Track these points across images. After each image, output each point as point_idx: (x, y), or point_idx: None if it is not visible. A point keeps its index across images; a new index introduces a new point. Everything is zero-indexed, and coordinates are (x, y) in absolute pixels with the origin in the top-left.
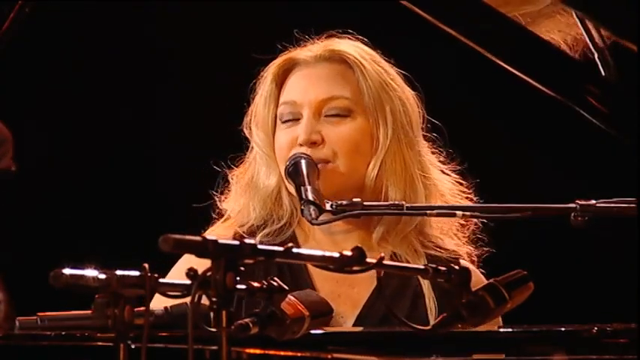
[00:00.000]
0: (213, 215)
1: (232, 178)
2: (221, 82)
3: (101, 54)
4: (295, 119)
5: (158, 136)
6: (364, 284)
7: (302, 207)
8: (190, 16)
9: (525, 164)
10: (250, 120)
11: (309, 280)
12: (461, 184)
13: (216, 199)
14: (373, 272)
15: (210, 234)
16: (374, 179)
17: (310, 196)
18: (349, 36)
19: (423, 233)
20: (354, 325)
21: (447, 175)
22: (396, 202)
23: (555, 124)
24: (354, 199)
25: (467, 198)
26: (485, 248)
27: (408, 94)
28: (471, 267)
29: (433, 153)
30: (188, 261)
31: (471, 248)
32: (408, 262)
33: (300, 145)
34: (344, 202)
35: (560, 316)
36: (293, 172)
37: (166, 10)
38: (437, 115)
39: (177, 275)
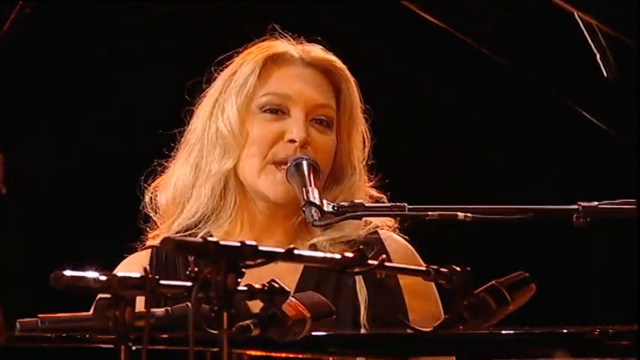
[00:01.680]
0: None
1: (172, 159)
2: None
3: (100, 53)
4: (280, 112)
5: (159, 136)
6: (286, 279)
7: (303, 208)
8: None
9: (526, 165)
10: (221, 98)
11: None
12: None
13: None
14: (294, 266)
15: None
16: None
17: (312, 198)
18: (318, 44)
19: (340, 226)
20: None
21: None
22: (398, 204)
23: (556, 124)
24: (356, 201)
25: None
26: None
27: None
28: (396, 236)
29: None
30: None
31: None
32: (330, 251)
33: (292, 141)
34: (345, 204)
35: (562, 317)
36: (295, 172)
37: (160, 10)
38: (427, 113)
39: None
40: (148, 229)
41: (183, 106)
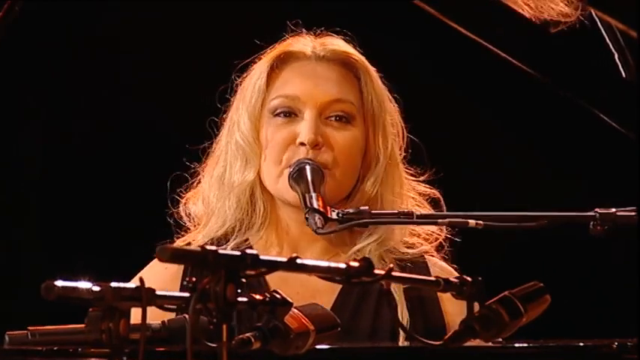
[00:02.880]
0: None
1: (203, 176)
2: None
3: (98, 54)
4: (292, 115)
5: (155, 139)
6: (326, 293)
7: (306, 215)
8: (184, 13)
9: (540, 170)
10: (237, 107)
11: (267, 290)
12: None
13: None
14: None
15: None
16: (371, 195)
17: (315, 204)
18: (342, 36)
19: (390, 239)
20: None
21: (421, 187)
22: (405, 211)
23: (572, 127)
24: (362, 208)
25: (436, 209)
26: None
27: (395, 106)
28: (445, 265)
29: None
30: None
31: (438, 243)
32: (375, 259)
33: (302, 144)
34: (350, 211)
35: (578, 330)
36: (297, 177)
37: (165, 9)
38: (438, 115)
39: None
40: (175, 236)
41: (180, 110)
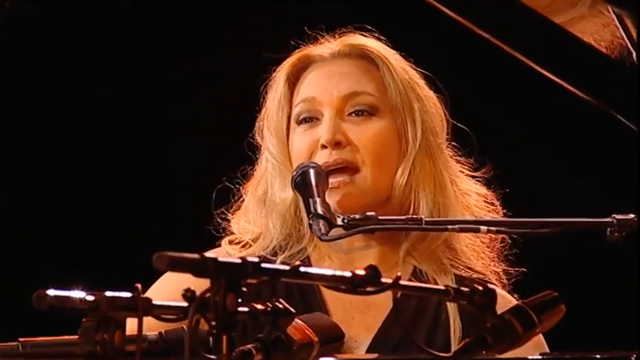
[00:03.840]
0: (217, 234)
1: (246, 195)
2: (229, 86)
3: (96, 55)
4: (314, 119)
5: (155, 147)
6: (381, 306)
7: (310, 221)
8: (195, 15)
9: (555, 175)
10: (262, 125)
11: (322, 301)
12: (486, 196)
13: (223, 218)
14: (388, 294)
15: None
16: (402, 186)
17: (320, 210)
18: (366, 33)
19: (452, 249)
20: (368, 350)
21: (474, 184)
22: (414, 217)
23: (591, 131)
24: (368, 213)
25: (493, 211)
26: (516, 269)
27: (432, 94)
28: (501, 291)
29: (457, 161)
30: (170, 277)
31: (500, 269)
32: (435, 279)
33: (324, 146)
34: (357, 217)
35: (595, 341)
36: (300, 183)
37: (170, 9)
38: (460, 120)
39: (160, 292)
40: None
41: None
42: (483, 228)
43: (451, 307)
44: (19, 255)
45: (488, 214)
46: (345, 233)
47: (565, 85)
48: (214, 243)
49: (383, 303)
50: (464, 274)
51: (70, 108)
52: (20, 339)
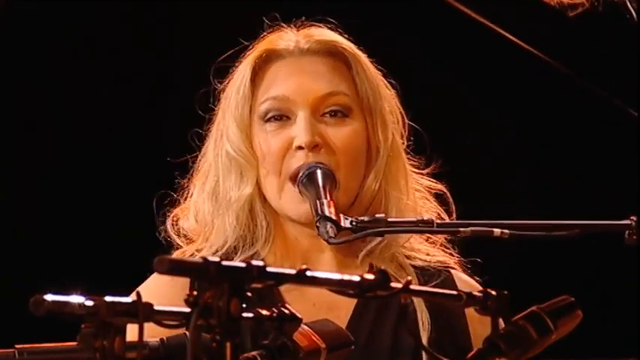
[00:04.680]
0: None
1: (191, 187)
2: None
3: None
4: (284, 117)
5: (156, 148)
6: (344, 306)
7: (317, 224)
8: (195, 15)
9: (572, 175)
10: (223, 116)
11: (281, 302)
12: (433, 190)
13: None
14: None
15: None
16: (375, 190)
17: (327, 212)
18: (327, 25)
19: (408, 246)
20: None
21: (425, 180)
22: (425, 219)
23: (607, 127)
24: (377, 215)
25: (440, 205)
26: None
27: (393, 92)
28: (469, 279)
29: (408, 157)
30: (157, 280)
31: (455, 259)
32: (395, 277)
33: (300, 147)
34: (365, 219)
35: (612, 348)
36: (307, 183)
37: (170, 9)
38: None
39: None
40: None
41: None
42: (497, 231)
43: (417, 300)
44: (15, 258)
45: (437, 211)
46: (354, 236)
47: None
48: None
49: (347, 302)
50: (422, 264)
51: (70, 108)
52: (17, 346)
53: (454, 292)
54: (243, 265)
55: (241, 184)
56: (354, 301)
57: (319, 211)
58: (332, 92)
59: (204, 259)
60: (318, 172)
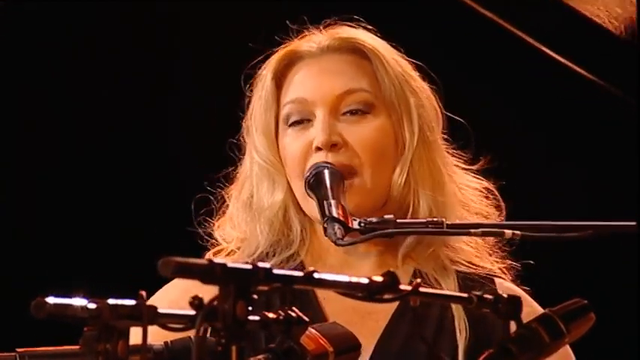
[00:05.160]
0: (204, 244)
1: (228, 198)
2: (230, 86)
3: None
4: (305, 120)
5: (156, 148)
6: (383, 311)
7: (325, 225)
8: (195, 15)
9: (585, 175)
10: (249, 126)
11: (319, 308)
12: (484, 189)
13: (205, 226)
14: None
15: None
16: (401, 186)
17: (335, 213)
18: (353, 24)
19: (451, 247)
20: (372, 358)
21: (472, 179)
22: (435, 219)
23: (619, 126)
24: (386, 216)
25: (493, 206)
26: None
27: (426, 86)
28: (515, 287)
29: (452, 155)
30: (175, 285)
31: (504, 265)
32: (437, 280)
33: (318, 148)
34: (374, 220)
35: (627, 352)
36: (314, 184)
37: (170, 9)
38: (453, 110)
39: (164, 300)
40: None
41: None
42: (508, 232)
43: (456, 307)
44: (16, 260)
45: (484, 210)
46: (362, 238)
47: (570, 65)
48: (205, 248)
49: (385, 307)
50: (466, 270)
51: (70, 108)
52: (18, 349)
53: (464, 295)
54: (249, 266)
55: (274, 192)
56: (393, 307)
57: (326, 212)
58: (350, 89)
59: (210, 260)
60: (326, 172)
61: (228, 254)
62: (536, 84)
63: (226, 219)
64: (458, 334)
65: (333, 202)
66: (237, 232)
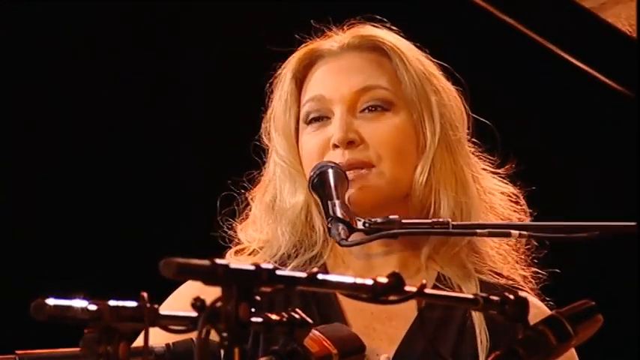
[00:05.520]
0: (225, 244)
1: (252, 201)
2: (233, 86)
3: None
4: (324, 118)
5: (156, 148)
6: (403, 316)
7: (329, 225)
8: (196, 15)
9: (592, 175)
10: (269, 126)
11: (340, 311)
12: (511, 194)
13: (229, 227)
14: (412, 303)
15: None
16: (423, 185)
17: (339, 213)
18: (376, 23)
19: (476, 252)
20: None
21: (498, 182)
22: (440, 220)
23: (629, 125)
24: (391, 216)
25: (519, 210)
26: (543, 272)
27: (451, 86)
28: (534, 299)
29: (479, 158)
30: (190, 286)
31: (528, 272)
32: (459, 285)
33: (335, 146)
34: (378, 220)
35: (627, 352)
36: (318, 183)
37: (170, 9)
38: (481, 113)
39: (176, 303)
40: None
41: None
42: (514, 232)
43: (477, 316)
44: (16, 261)
45: (513, 214)
46: (367, 238)
47: (593, 72)
48: (224, 248)
49: (406, 312)
50: (490, 280)
51: (70, 108)
52: (17, 351)
53: (470, 296)
54: (252, 267)
55: (295, 193)
56: (414, 312)
57: (330, 212)
58: (367, 87)
59: (212, 261)
60: (330, 171)
61: (250, 255)
62: (557, 91)
63: (249, 221)
64: (479, 342)
65: (337, 202)
66: (260, 234)
